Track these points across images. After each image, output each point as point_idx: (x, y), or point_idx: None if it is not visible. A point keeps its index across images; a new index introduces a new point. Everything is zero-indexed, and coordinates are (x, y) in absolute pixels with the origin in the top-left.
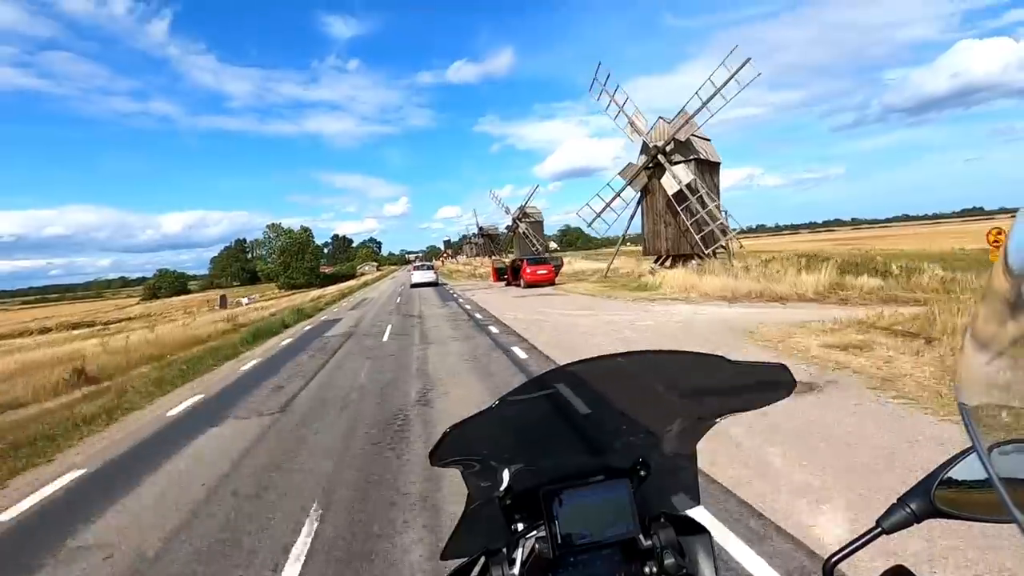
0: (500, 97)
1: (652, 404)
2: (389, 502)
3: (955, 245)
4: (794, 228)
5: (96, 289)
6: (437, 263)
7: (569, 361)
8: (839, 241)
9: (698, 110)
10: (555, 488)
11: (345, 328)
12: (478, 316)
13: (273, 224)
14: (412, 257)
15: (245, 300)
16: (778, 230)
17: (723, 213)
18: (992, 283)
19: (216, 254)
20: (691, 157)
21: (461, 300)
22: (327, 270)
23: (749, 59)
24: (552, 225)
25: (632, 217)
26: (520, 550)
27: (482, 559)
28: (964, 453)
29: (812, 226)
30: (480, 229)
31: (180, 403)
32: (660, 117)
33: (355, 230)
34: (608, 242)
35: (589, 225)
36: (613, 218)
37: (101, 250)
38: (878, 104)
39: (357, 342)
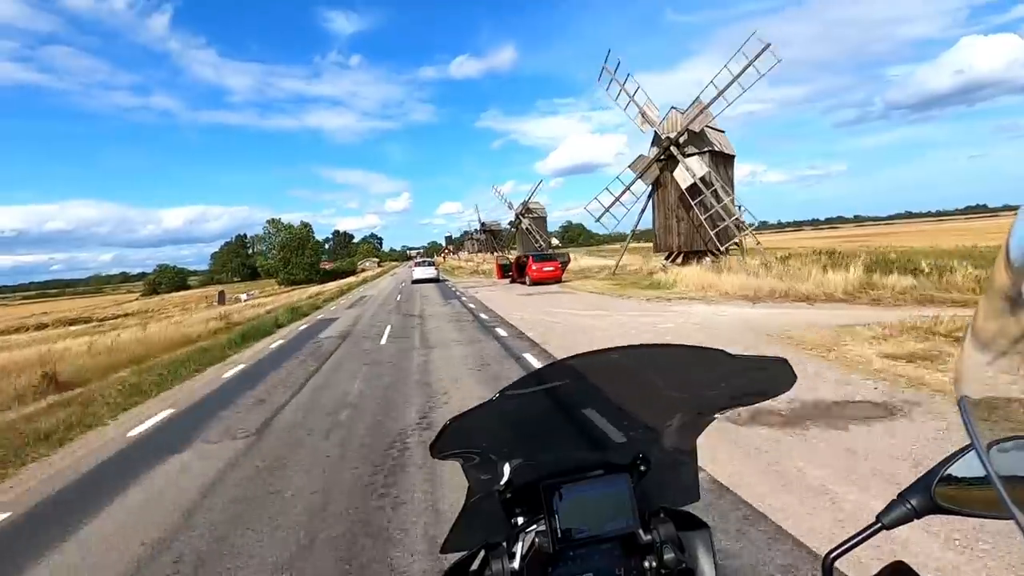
0: (502, 93)
1: (652, 399)
2: None
3: (966, 242)
4: (797, 225)
5: (96, 284)
6: (438, 259)
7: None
8: (844, 238)
9: (714, 99)
10: (555, 482)
11: (341, 329)
12: (483, 316)
13: (273, 219)
14: (413, 253)
15: (244, 296)
16: (780, 227)
17: (738, 208)
18: (993, 280)
19: (217, 249)
20: (705, 149)
21: (464, 298)
22: (327, 266)
23: (769, 45)
24: (554, 221)
25: (642, 212)
26: (520, 544)
27: (482, 553)
28: (964, 450)
29: (815, 223)
30: (482, 225)
31: (148, 419)
32: (673, 107)
33: (356, 226)
34: (610, 239)
35: (597, 220)
36: (622, 213)
37: (102, 245)
38: (881, 101)
39: (353, 345)
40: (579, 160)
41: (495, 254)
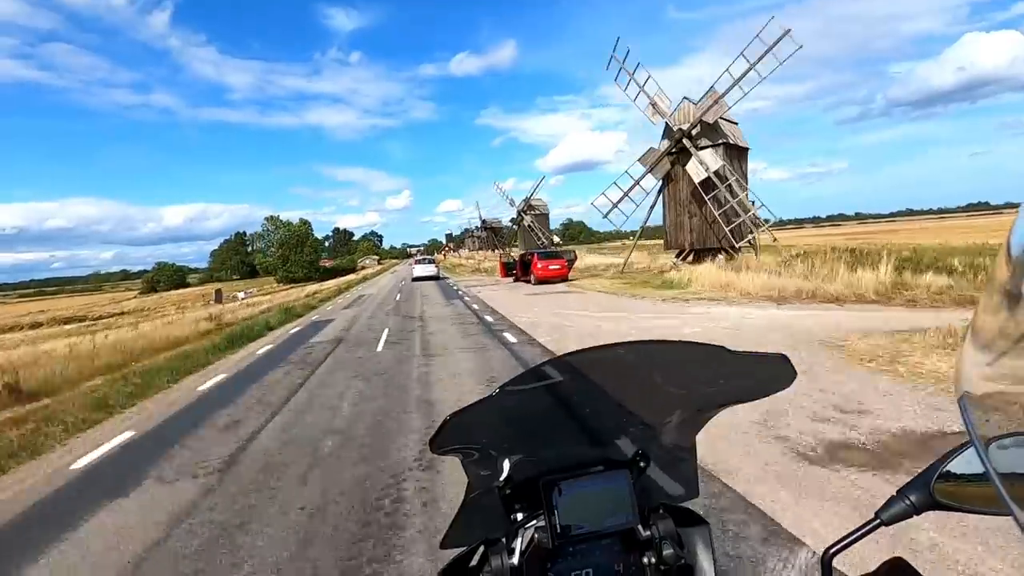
0: (503, 90)
1: (652, 395)
2: None
3: (976, 239)
4: (798, 223)
5: (95, 282)
6: (439, 257)
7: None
8: (849, 235)
9: (729, 88)
10: (554, 478)
11: (335, 332)
12: (488, 318)
13: (271, 216)
14: (413, 251)
15: (241, 295)
16: (782, 225)
17: (752, 203)
18: (994, 277)
19: (216, 247)
20: (719, 141)
21: (467, 298)
22: (327, 264)
23: (789, 31)
24: (554, 219)
25: (652, 207)
26: (519, 540)
27: (481, 548)
28: (964, 446)
29: (816, 220)
30: (483, 222)
31: (102, 444)
32: (685, 98)
33: (357, 223)
34: (611, 236)
35: (605, 216)
36: (631, 209)
37: (103, 243)
38: (883, 98)
39: (346, 352)
40: (579, 158)
41: (498, 252)
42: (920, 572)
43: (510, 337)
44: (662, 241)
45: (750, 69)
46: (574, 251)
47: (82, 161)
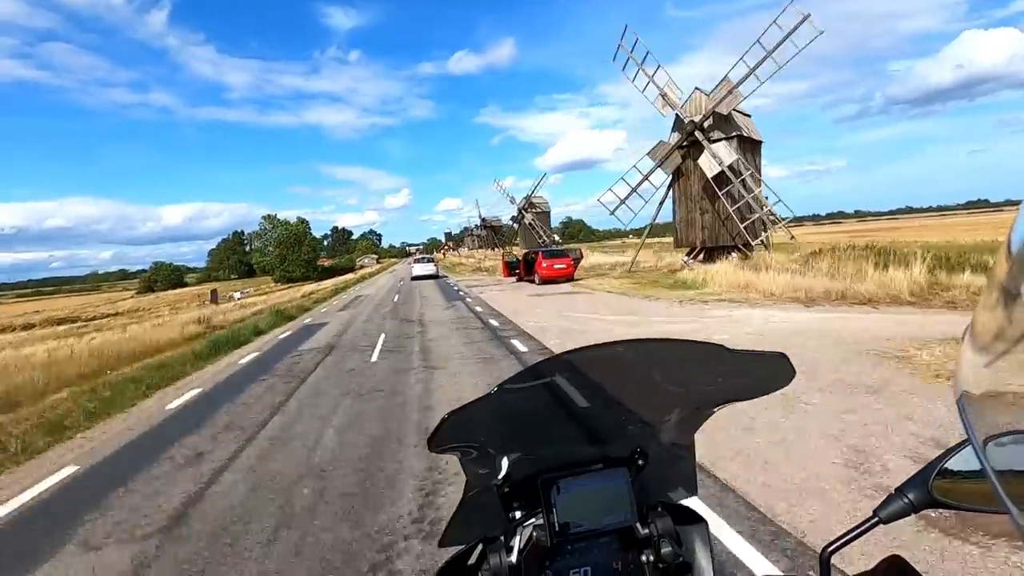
0: (501, 88)
1: (650, 393)
2: None
3: (983, 237)
4: (797, 220)
5: (93, 282)
6: (438, 255)
7: None
8: (851, 233)
9: (744, 77)
10: (553, 476)
11: (327, 338)
12: (493, 323)
13: (269, 215)
14: (413, 250)
15: (237, 295)
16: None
17: (766, 198)
18: (995, 275)
19: (214, 246)
20: (733, 134)
21: (469, 299)
22: (325, 263)
23: (808, 16)
24: (553, 217)
25: (661, 204)
26: (518, 538)
27: (480, 546)
28: (962, 444)
29: (816, 218)
30: (483, 220)
31: (37, 483)
32: (697, 88)
33: (356, 222)
34: (611, 235)
35: (611, 213)
36: (639, 205)
37: (102, 242)
38: (881, 96)
39: (337, 362)
40: (578, 156)
41: (501, 250)
42: (919, 571)
43: (519, 344)
44: (667, 240)
45: (766, 57)
46: (580, 249)
47: (81, 161)
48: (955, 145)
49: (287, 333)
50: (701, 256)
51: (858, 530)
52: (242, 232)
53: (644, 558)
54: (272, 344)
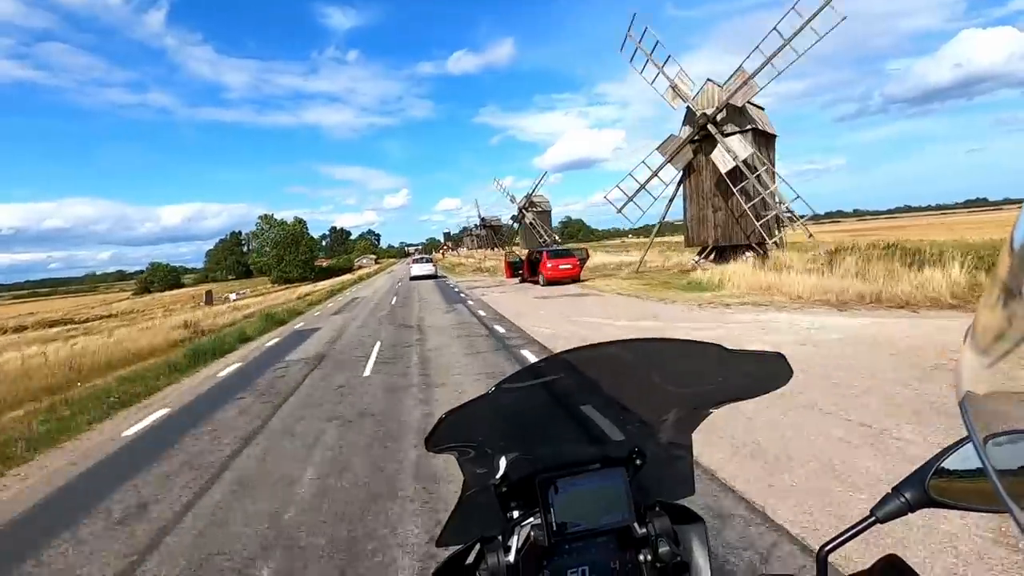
0: (500, 88)
1: (648, 393)
2: None
3: (992, 235)
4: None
5: (90, 283)
6: (437, 256)
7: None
8: (855, 232)
9: (760, 67)
10: (551, 476)
11: (317, 347)
12: (498, 329)
13: (265, 215)
14: (411, 250)
15: (233, 296)
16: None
17: (779, 195)
18: (997, 274)
19: (212, 247)
20: (747, 127)
21: (471, 302)
22: (323, 263)
23: (830, 0)
24: (553, 217)
25: (671, 201)
26: (515, 537)
27: (477, 546)
28: (959, 443)
29: (815, 217)
30: (482, 220)
31: None
32: (709, 79)
33: (355, 222)
34: (611, 234)
35: (619, 211)
36: (648, 202)
37: (100, 243)
38: (880, 95)
39: (325, 376)
40: (576, 156)
41: (501, 250)
42: (915, 570)
43: (529, 355)
44: (671, 239)
45: (784, 45)
46: (586, 249)
47: (79, 161)
48: (953, 144)
49: (275, 340)
50: (712, 256)
51: (855, 529)
52: (240, 232)
53: (642, 557)
54: (258, 353)
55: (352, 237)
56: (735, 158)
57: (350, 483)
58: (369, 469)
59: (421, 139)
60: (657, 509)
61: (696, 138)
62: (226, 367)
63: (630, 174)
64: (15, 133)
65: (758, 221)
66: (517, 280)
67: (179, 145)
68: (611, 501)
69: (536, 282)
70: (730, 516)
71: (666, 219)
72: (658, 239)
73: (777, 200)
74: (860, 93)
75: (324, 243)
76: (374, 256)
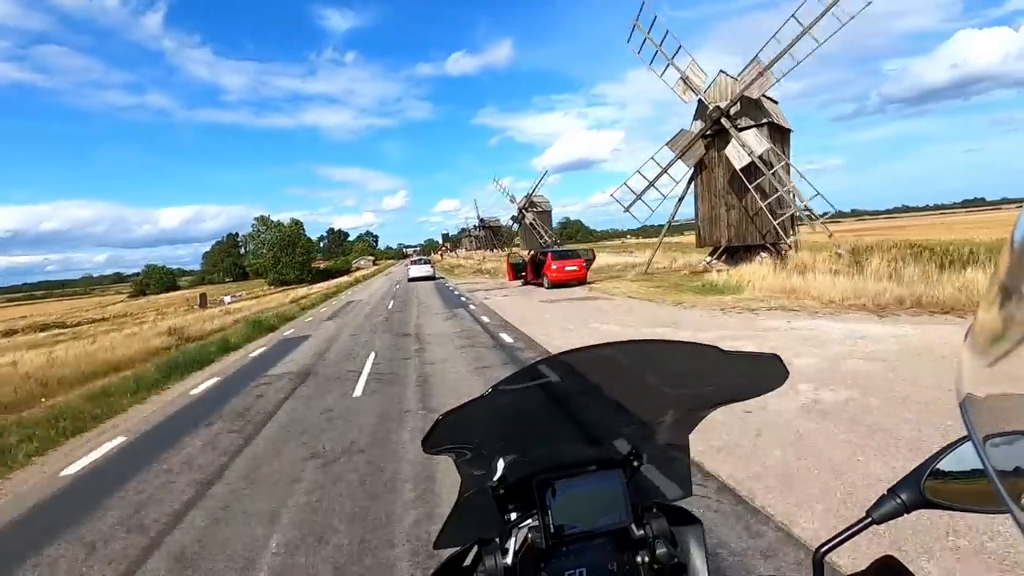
0: (499, 89)
1: (645, 394)
2: None
3: (1000, 234)
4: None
5: (86, 286)
6: (435, 257)
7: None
8: (856, 232)
9: (778, 57)
10: (548, 478)
11: (304, 359)
12: (506, 338)
13: (262, 217)
14: (410, 251)
15: (228, 299)
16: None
17: (796, 192)
18: (997, 274)
19: (209, 249)
20: (763, 121)
21: (473, 306)
22: (321, 265)
23: None
24: (552, 217)
25: (681, 199)
26: (513, 539)
27: (475, 548)
28: (955, 444)
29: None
30: (481, 221)
31: None
32: (722, 71)
33: (353, 224)
34: (609, 235)
35: (626, 210)
36: (657, 200)
37: (98, 245)
38: (877, 95)
39: (309, 397)
40: (575, 156)
41: (501, 251)
42: (911, 571)
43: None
44: (676, 239)
45: (804, 33)
46: (592, 251)
47: (76, 163)
48: (950, 144)
49: (261, 350)
50: (724, 257)
51: (851, 531)
52: (237, 234)
53: (639, 559)
54: (240, 366)
55: (350, 239)
56: (751, 153)
57: (325, 561)
58: (352, 535)
59: (419, 140)
60: (654, 510)
61: (708, 133)
62: (202, 382)
63: (638, 171)
64: (12, 136)
65: (775, 220)
66: (520, 282)
67: (177, 147)
68: (608, 503)
69: (540, 284)
70: None
71: (673, 219)
72: (655, 239)
73: (794, 197)
74: (857, 93)
75: (322, 244)
76: (372, 258)
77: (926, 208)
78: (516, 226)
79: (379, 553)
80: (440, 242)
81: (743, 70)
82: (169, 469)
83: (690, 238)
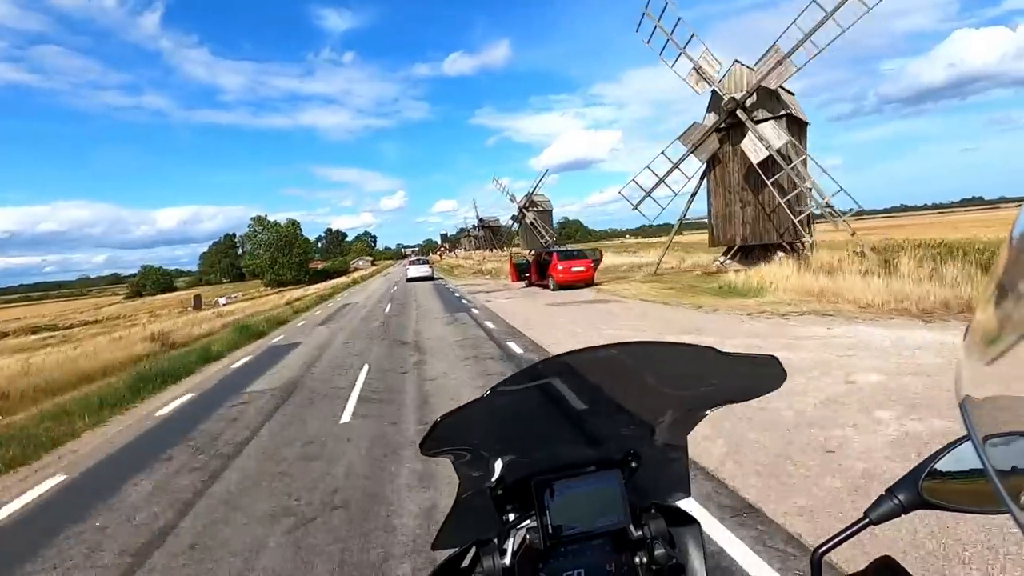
0: (497, 90)
1: (644, 395)
2: None
3: (1001, 233)
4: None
5: (82, 287)
6: (434, 257)
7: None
8: (857, 231)
9: (798, 44)
10: (546, 479)
11: (290, 372)
12: (514, 347)
13: (258, 217)
14: (408, 251)
15: (222, 300)
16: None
17: (817, 187)
18: (997, 274)
19: (206, 249)
20: (781, 113)
21: (475, 310)
22: (318, 266)
23: None
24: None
25: (694, 195)
26: (511, 540)
27: (473, 549)
28: (952, 445)
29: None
30: (480, 221)
31: None
32: (736, 60)
33: (351, 224)
34: (609, 235)
35: (635, 207)
36: (668, 197)
37: (96, 246)
38: (874, 95)
39: (290, 422)
40: (573, 156)
41: (504, 251)
42: (909, 572)
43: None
44: (682, 238)
45: (827, 18)
46: (599, 251)
47: (74, 164)
48: (948, 143)
49: (246, 359)
50: (737, 256)
51: (849, 531)
52: (234, 235)
53: (637, 560)
54: (219, 379)
55: (348, 239)
56: (768, 147)
57: None
58: None
59: (417, 141)
60: (653, 511)
61: (723, 126)
62: (173, 400)
63: (648, 167)
64: (10, 136)
65: (795, 217)
66: (523, 284)
67: (175, 147)
68: (607, 503)
69: (545, 286)
70: None
71: (685, 216)
72: (665, 239)
73: (813, 192)
74: (855, 93)
75: (320, 245)
76: (371, 258)
77: (924, 207)
78: (516, 226)
79: None
80: (439, 242)
81: (760, 59)
82: (103, 527)
83: (695, 237)
